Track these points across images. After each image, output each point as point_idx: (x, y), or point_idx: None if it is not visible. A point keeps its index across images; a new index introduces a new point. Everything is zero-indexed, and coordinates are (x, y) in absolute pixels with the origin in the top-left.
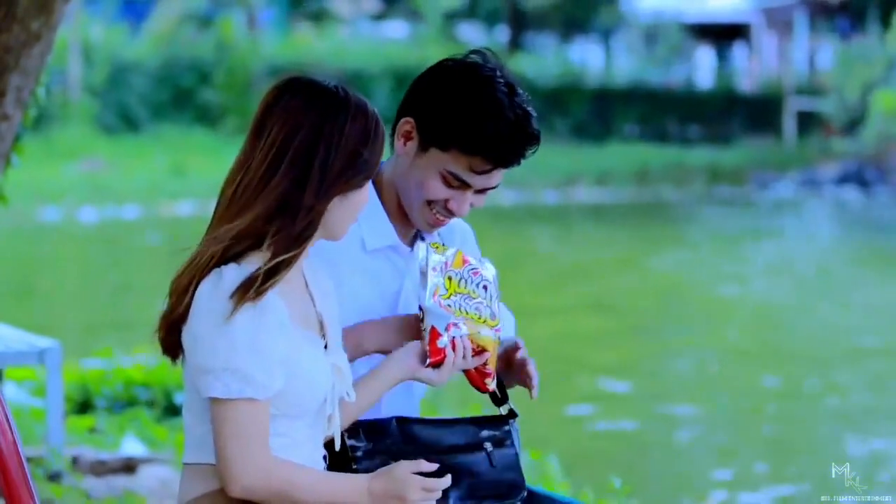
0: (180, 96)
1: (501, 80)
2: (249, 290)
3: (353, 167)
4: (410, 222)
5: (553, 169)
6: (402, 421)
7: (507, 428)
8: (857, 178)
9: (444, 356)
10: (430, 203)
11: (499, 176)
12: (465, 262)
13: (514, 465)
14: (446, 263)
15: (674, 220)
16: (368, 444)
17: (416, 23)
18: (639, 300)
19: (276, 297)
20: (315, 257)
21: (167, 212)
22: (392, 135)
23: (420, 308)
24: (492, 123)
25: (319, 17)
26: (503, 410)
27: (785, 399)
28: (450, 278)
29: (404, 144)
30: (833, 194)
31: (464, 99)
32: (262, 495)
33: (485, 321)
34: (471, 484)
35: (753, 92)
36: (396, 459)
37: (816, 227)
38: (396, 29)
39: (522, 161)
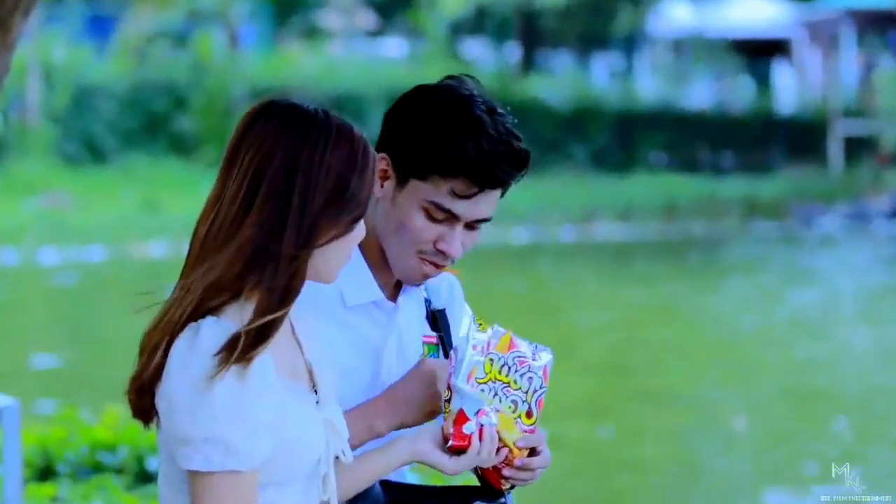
0: (152, 123)
1: (480, 100)
2: (234, 351)
3: (339, 201)
4: (393, 276)
5: (570, 202)
6: (389, 486)
7: (502, 500)
8: None
9: (469, 444)
10: (420, 251)
11: (488, 203)
12: (512, 346)
13: None
14: (489, 344)
15: (705, 260)
16: None
17: (416, 40)
18: (655, 360)
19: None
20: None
21: (138, 253)
22: None
23: (449, 387)
24: (472, 141)
25: (309, 33)
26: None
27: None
28: (491, 361)
29: (381, 185)
30: (885, 229)
31: (439, 120)
32: None
33: (519, 415)
34: None
35: (795, 115)
36: None
37: (866, 268)
38: (394, 46)
39: (512, 183)
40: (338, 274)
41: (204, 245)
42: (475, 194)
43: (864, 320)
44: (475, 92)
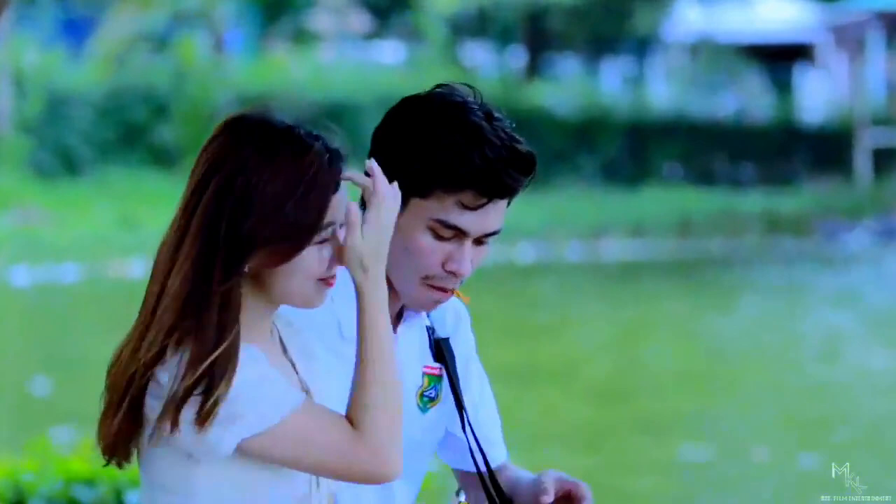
0: (131, 133)
1: (475, 106)
2: (199, 421)
3: (271, 228)
4: (395, 298)
5: (578, 218)
6: None
7: None
8: None
9: None
10: (426, 276)
11: (497, 215)
12: None
13: None
14: None
15: (720, 280)
16: None
17: (414, 44)
18: (656, 386)
19: (252, 355)
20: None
21: (115, 272)
22: None
23: None
24: (476, 151)
25: (298, 36)
26: None
27: None
28: None
29: None
30: None
31: (436, 132)
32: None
33: None
34: None
35: (819, 124)
36: None
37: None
38: (390, 51)
39: (521, 188)
40: (308, 298)
41: (155, 275)
42: (483, 206)
43: (889, 344)
44: (469, 98)
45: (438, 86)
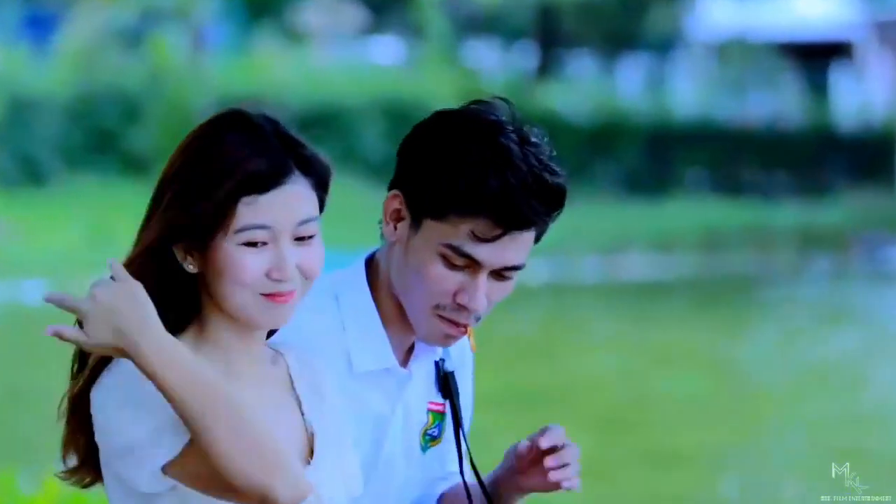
0: (101, 139)
1: (510, 127)
2: None
3: (179, 218)
4: (409, 336)
5: (594, 233)
6: None
7: None
8: None
9: None
10: (436, 306)
11: (518, 248)
12: None
13: None
14: None
15: (747, 299)
16: None
17: (414, 41)
18: (666, 416)
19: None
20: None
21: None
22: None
23: None
24: (497, 175)
25: (287, 34)
26: None
27: None
28: None
29: (395, 228)
30: None
31: (458, 149)
32: None
33: None
34: None
35: (858, 130)
36: None
37: None
38: (388, 49)
39: (546, 223)
40: (258, 314)
41: None
42: (499, 237)
43: None
44: (505, 118)
45: (474, 102)
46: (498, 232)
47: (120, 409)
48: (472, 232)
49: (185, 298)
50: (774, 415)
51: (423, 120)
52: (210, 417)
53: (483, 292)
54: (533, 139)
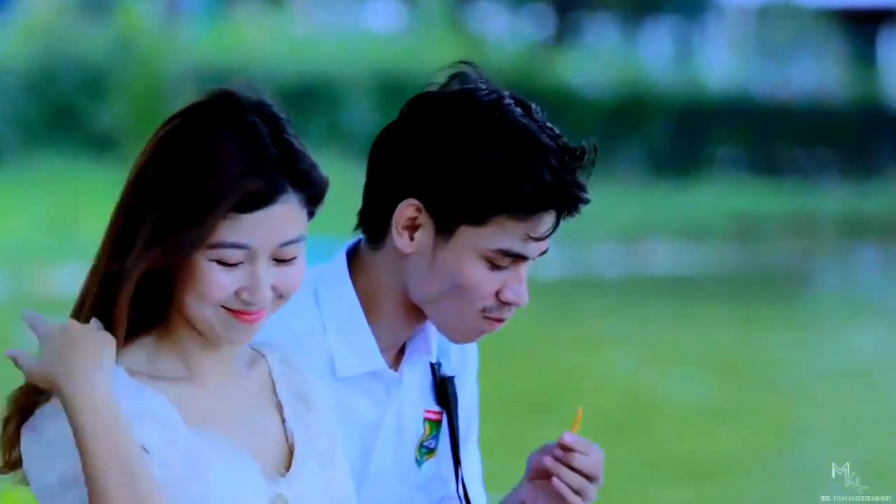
0: (63, 114)
1: (511, 101)
2: None
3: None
4: (401, 336)
5: (615, 219)
6: None
7: None
8: None
9: None
10: (483, 309)
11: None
12: None
13: None
14: None
15: (784, 294)
16: None
17: (411, 4)
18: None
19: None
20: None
21: (44, 284)
22: (364, 221)
23: None
24: (541, 164)
25: None
26: None
27: None
28: None
29: (411, 238)
30: None
31: (483, 145)
32: None
33: None
34: None
35: None
36: None
37: None
38: (382, 15)
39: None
40: (218, 326)
41: None
42: (556, 227)
43: None
44: (496, 91)
45: (452, 76)
46: (554, 224)
47: (40, 452)
48: (527, 232)
49: (156, 295)
50: (805, 423)
51: (409, 111)
52: (108, 480)
53: (525, 284)
54: (531, 105)
